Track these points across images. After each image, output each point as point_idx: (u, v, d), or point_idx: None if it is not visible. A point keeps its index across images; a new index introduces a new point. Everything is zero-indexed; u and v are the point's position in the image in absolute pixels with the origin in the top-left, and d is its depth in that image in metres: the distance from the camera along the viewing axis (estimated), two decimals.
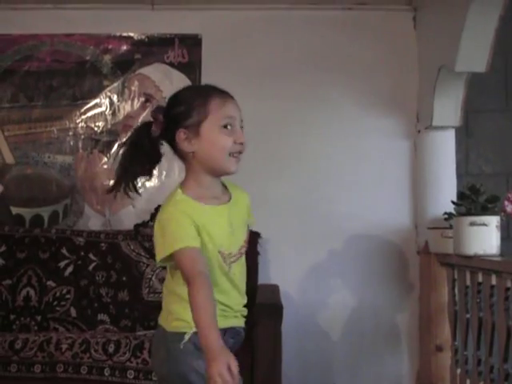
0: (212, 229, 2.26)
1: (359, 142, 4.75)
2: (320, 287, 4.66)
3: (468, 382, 4.09)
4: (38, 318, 4.20)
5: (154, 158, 2.39)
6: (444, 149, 4.60)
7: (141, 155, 2.35)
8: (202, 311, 2.08)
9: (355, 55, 4.77)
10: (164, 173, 4.68)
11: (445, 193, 4.47)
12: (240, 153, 2.28)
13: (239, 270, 2.37)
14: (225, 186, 2.42)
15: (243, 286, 2.41)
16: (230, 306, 2.34)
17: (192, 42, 4.77)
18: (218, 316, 2.14)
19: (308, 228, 4.68)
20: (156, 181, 4.69)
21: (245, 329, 2.44)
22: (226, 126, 2.26)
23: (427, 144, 4.64)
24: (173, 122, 2.30)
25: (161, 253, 2.23)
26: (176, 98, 2.36)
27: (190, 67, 4.73)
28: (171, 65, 4.74)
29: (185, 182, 2.37)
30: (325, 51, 4.77)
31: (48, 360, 3.57)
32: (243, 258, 2.38)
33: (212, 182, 2.34)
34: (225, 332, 2.27)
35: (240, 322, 2.41)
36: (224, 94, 2.32)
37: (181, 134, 2.28)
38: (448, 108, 4.47)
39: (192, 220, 2.22)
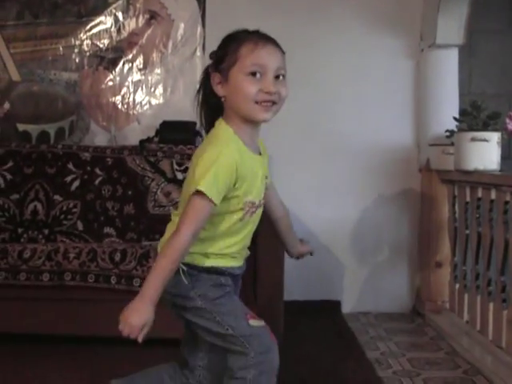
0: (247, 175, 2.24)
1: (363, 60, 4.76)
2: (322, 204, 4.72)
3: (466, 296, 4.18)
4: (46, 231, 4.29)
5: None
6: (447, 67, 4.62)
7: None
8: (161, 270, 2.17)
9: None
10: (169, 89, 4.72)
11: (447, 111, 4.48)
12: (270, 102, 2.21)
13: (256, 219, 2.37)
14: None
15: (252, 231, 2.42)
16: (239, 251, 2.38)
17: None
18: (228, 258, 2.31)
19: (310, 146, 4.72)
20: (161, 98, 4.73)
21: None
22: (253, 74, 2.20)
23: (430, 62, 4.65)
24: (212, 65, 2.29)
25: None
26: (221, 42, 2.34)
27: None
28: None
29: (226, 121, 2.29)
30: None
31: (56, 269, 3.66)
32: (262, 208, 2.39)
33: (246, 128, 2.27)
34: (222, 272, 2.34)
35: (240, 263, 2.43)
36: (261, 41, 2.24)
37: (215, 78, 2.25)
38: (452, 27, 4.48)
39: (233, 170, 2.19)
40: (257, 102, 2.20)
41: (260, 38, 2.24)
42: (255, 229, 2.39)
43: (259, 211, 2.36)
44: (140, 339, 2.11)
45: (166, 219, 4.12)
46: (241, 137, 2.24)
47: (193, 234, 2.13)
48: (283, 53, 2.26)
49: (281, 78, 2.23)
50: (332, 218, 4.73)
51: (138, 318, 2.11)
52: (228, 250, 2.33)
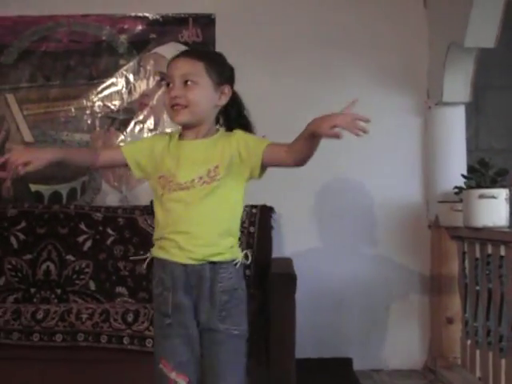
0: (163, 156, 2.54)
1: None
2: (332, 261, 4.74)
3: (478, 352, 4.17)
4: (58, 291, 4.31)
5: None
6: (454, 124, 4.68)
7: None
8: None
9: (366, 32, 4.83)
10: None
11: (455, 168, 4.54)
12: (177, 105, 2.46)
13: (186, 198, 2.45)
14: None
15: (212, 222, 2.47)
16: (165, 236, 2.47)
17: (206, 22, 4.84)
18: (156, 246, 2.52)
19: (320, 203, 4.77)
20: None
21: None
22: (168, 85, 2.51)
23: (437, 120, 4.71)
24: None
25: None
26: None
27: (204, 46, 4.79)
28: (186, 44, 4.80)
29: None
30: (336, 28, 4.83)
31: (69, 329, 3.67)
32: (209, 190, 2.46)
33: (187, 128, 2.54)
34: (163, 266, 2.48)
35: (171, 256, 2.48)
36: (174, 57, 2.55)
37: None
38: (458, 84, 4.54)
39: (150, 145, 2.59)
40: (172, 107, 2.48)
41: (177, 55, 2.56)
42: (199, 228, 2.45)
43: (191, 192, 2.45)
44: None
45: None
46: (185, 133, 2.54)
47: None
48: (200, 61, 2.49)
49: (189, 83, 2.46)
50: (342, 275, 4.74)
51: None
52: (156, 234, 2.53)
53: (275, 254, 4.44)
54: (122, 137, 4.82)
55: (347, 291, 4.77)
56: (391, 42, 4.84)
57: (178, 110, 2.46)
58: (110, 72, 4.87)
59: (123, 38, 4.87)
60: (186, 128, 2.54)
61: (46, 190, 4.83)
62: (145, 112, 4.82)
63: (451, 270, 4.56)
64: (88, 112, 4.85)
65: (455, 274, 4.54)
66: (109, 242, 4.39)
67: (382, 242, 4.79)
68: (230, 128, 2.62)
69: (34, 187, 4.84)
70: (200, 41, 4.81)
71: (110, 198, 4.80)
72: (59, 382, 3.70)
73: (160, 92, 4.79)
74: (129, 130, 4.83)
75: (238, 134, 2.55)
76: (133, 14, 4.88)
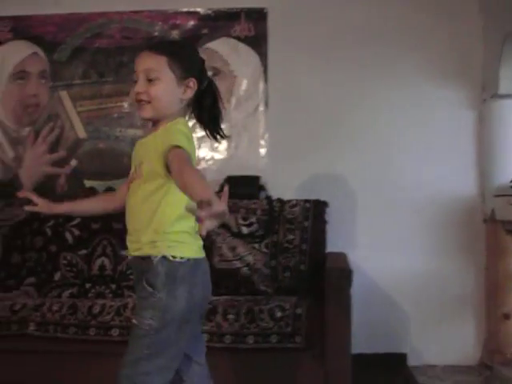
0: (133, 153, 2.66)
1: (425, 112, 4.76)
2: (387, 256, 4.69)
3: None
4: (113, 286, 4.34)
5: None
6: (510, 117, 4.60)
7: None
8: None
9: (419, 25, 4.77)
10: (233, 145, 4.77)
11: (511, 161, 4.48)
12: (140, 101, 2.49)
13: (131, 194, 2.55)
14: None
15: (134, 217, 2.55)
16: (128, 230, 2.59)
17: (258, 16, 4.82)
18: None
19: (374, 196, 4.73)
20: (225, 153, 4.79)
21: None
22: (134, 81, 2.52)
23: (493, 113, 4.64)
24: None
25: None
26: None
27: (257, 41, 4.79)
28: (238, 39, 4.81)
29: None
30: (388, 22, 4.79)
31: (125, 324, 3.69)
32: (136, 187, 2.52)
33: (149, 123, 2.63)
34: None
35: (132, 250, 2.57)
36: (140, 51, 2.57)
37: None
38: None
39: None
40: (137, 102, 2.51)
41: (143, 49, 2.56)
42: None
43: (133, 186, 2.54)
44: None
45: (232, 274, 4.21)
46: (150, 129, 2.62)
47: None
48: (162, 55, 2.48)
49: (151, 79, 2.47)
50: (396, 269, 4.70)
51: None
52: None
53: (330, 249, 4.43)
54: None
55: (401, 286, 4.72)
56: (445, 35, 4.77)
57: (142, 105, 2.49)
58: None
59: (175, 33, 4.87)
60: (153, 124, 2.58)
61: (100, 185, 4.85)
62: None
63: (507, 264, 4.50)
64: None
65: (511, 269, 4.48)
66: None
67: (436, 236, 4.74)
68: (200, 118, 2.65)
69: (88, 183, 4.88)
70: (252, 35, 4.80)
71: None
72: (114, 376, 3.72)
73: None
74: None
75: (163, 130, 2.50)
76: (184, 10, 4.89)
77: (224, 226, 4.35)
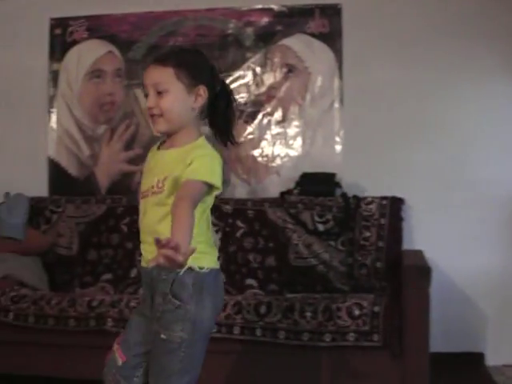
0: (145, 168, 2.60)
1: (502, 107, 4.68)
2: (464, 253, 4.61)
3: None
4: None
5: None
6: None
7: None
8: None
9: (494, 21, 4.67)
10: (308, 141, 4.76)
11: None
12: (153, 115, 2.47)
13: (148, 210, 2.50)
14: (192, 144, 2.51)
15: (150, 228, 2.50)
16: (142, 244, 2.55)
17: (332, 12, 4.78)
18: None
19: (451, 193, 4.65)
20: (300, 150, 4.77)
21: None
22: (146, 95, 2.50)
23: None
24: None
25: None
26: None
27: (332, 37, 4.75)
28: (312, 35, 4.78)
29: None
30: (464, 17, 4.70)
31: None
32: (157, 200, 2.47)
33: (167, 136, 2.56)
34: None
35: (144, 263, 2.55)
36: (147, 65, 2.56)
37: None
38: None
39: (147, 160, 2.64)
40: (151, 117, 2.49)
41: (149, 63, 2.55)
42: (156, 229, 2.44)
43: (151, 200, 2.47)
44: None
45: (308, 271, 4.20)
46: (165, 142, 2.57)
47: None
48: (168, 67, 2.45)
49: (161, 92, 2.44)
50: (474, 267, 4.62)
51: None
52: None
53: (406, 246, 4.39)
54: (249, 129, 4.83)
55: (478, 284, 4.64)
56: None
57: (155, 120, 2.47)
58: (237, 65, 4.87)
59: (249, 30, 4.88)
60: (168, 136, 2.55)
61: None
62: (272, 104, 4.81)
63: None
64: None
65: None
66: (238, 234, 4.43)
67: None
68: (213, 122, 2.60)
69: None
70: (327, 32, 4.77)
71: (239, 190, 4.81)
72: None
73: (287, 84, 4.79)
74: (256, 122, 4.82)
75: (196, 153, 2.43)
76: (259, 7, 4.88)
77: (300, 223, 4.35)
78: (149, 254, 2.45)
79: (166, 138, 2.56)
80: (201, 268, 2.41)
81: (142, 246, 2.54)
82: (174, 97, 2.44)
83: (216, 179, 2.39)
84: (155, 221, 2.45)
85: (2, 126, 5.19)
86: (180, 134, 2.49)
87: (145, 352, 2.52)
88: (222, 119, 2.58)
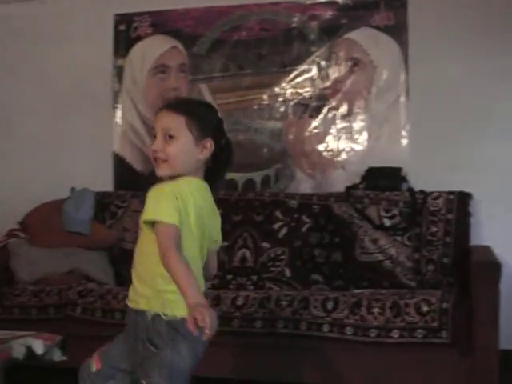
0: None
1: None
2: None
3: None
4: (254, 277, 4.36)
5: None
6: None
7: None
8: None
9: None
10: (373, 136, 4.71)
11: None
12: (157, 158, 2.45)
13: (138, 244, 2.51)
14: None
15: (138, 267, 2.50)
16: (132, 281, 2.54)
17: (398, 5, 4.72)
18: None
19: None
20: (365, 144, 4.73)
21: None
22: (153, 136, 2.48)
23: None
24: None
25: None
26: None
27: (397, 30, 4.70)
28: (378, 28, 4.73)
29: None
30: None
31: (268, 316, 3.70)
32: (141, 237, 2.48)
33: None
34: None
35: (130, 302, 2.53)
36: (159, 109, 2.53)
37: None
38: None
39: None
40: (154, 160, 2.47)
41: (162, 107, 2.52)
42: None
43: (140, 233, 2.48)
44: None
45: (374, 266, 4.17)
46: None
47: None
48: (181, 115, 2.44)
49: (169, 137, 2.43)
50: None
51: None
52: None
53: (474, 242, 4.32)
54: (314, 124, 4.80)
55: None
56: None
57: (158, 163, 2.46)
58: (301, 59, 4.85)
59: (314, 24, 4.85)
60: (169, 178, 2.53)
61: (240, 177, 4.89)
62: (337, 98, 4.78)
63: None
64: (280, 100, 4.87)
65: None
66: (304, 229, 4.41)
67: None
68: (210, 168, 2.54)
69: (228, 175, 4.88)
70: (392, 24, 4.71)
71: (304, 185, 4.79)
72: (257, 368, 3.75)
73: (353, 78, 4.75)
74: (321, 116, 4.79)
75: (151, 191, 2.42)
76: (323, 0, 4.85)
77: (366, 218, 4.32)
78: (132, 292, 2.50)
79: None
80: (174, 315, 2.39)
81: (132, 285, 2.53)
82: (181, 145, 2.43)
83: (155, 214, 2.34)
84: (136, 257, 2.50)
85: (68, 122, 5.26)
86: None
87: (123, 369, 2.51)
88: (218, 170, 2.57)
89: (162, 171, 2.46)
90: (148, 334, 2.40)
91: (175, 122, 2.45)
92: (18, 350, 2.86)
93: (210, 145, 2.46)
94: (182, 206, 2.35)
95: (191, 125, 2.44)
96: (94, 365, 2.54)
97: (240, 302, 3.79)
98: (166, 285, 2.35)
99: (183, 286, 2.20)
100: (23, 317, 4.13)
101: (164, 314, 2.38)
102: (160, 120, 2.48)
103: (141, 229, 2.46)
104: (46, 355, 3.01)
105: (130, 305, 2.49)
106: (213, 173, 2.55)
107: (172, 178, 2.48)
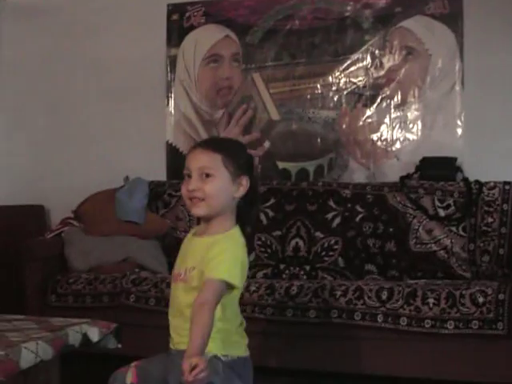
0: (180, 252, 2.60)
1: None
2: None
3: None
4: (307, 267, 4.36)
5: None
6: None
7: None
8: None
9: None
10: (428, 125, 4.67)
11: None
12: (194, 198, 2.43)
13: (179, 294, 2.48)
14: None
15: (179, 311, 2.47)
16: (172, 328, 2.53)
17: None
18: None
19: None
20: (419, 134, 4.69)
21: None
22: (186, 176, 2.47)
23: None
24: None
25: None
26: None
27: (452, 18, 4.64)
28: (432, 16, 4.68)
29: None
30: None
31: (322, 306, 3.70)
32: (187, 286, 2.44)
33: (202, 221, 2.57)
34: None
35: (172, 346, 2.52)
36: (192, 148, 2.55)
37: None
38: None
39: None
40: (189, 200, 2.46)
41: (195, 146, 2.55)
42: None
43: (180, 285, 2.47)
44: None
45: (429, 257, 4.14)
46: (199, 229, 2.59)
47: None
48: (217, 153, 2.44)
49: (206, 176, 2.41)
50: None
51: None
52: None
53: None
54: (368, 113, 4.77)
55: None
56: None
57: (196, 202, 2.44)
58: (355, 48, 4.82)
59: (368, 12, 4.81)
60: (203, 220, 2.54)
61: (293, 167, 4.89)
62: (391, 87, 4.73)
63: None
64: (334, 89, 4.84)
65: None
66: (357, 219, 4.39)
67: None
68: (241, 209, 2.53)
69: (281, 165, 4.91)
70: (447, 13, 4.66)
71: (357, 175, 4.76)
72: (311, 357, 3.75)
73: (407, 67, 4.70)
74: (375, 106, 4.76)
75: (219, 248, 2.40)
76: None
77: (420, 208, 4.28)
78: (177, 335, 2.47)
79: (202, 222, 2.56)
80: (230, 356, 2.42)
81: (171, 328, 2.52)
82: (219, 183, 2.42)
83: (234, 278, 2.35)
84: (183, 305, 2.44)
85: (122, 111, 5.30)
86: (216, 220, 2.48)
87: None
88: (250, 209, 2.55)
89: (200, 210, 2.46)
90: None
91: (212, 160, 2.43)
92: (74, 337, 2.88)
93: (245, 182, 2.46)
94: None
95: (228, 162, 2.43)
96: (131, 378, 2.51)
97: (294, 291, 3.79)
98: (227, 326, 2.44)
99: (197, 334, 2.19)
100: (77, 305, 4.17)
101: (228, 355, 2.41)
102: (195, 158, 2.46)
103: (189, 283, 2.43)
104: (101, 343, 3.04)
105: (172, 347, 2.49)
106: (244, 212, 2.53)
107: (208, 218, 2.49)
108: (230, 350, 2.42)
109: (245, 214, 2.54)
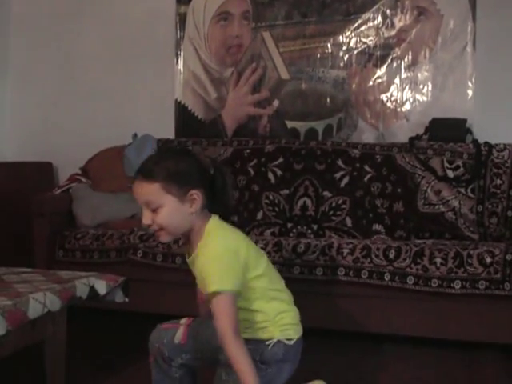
0: None
1: None
2: None
3: None
4: (315, 226, 4.36)
5: None
6: None
7: None
8: None
9: None
10: (438, 86, 4.64)
11: None
12: (155, 230, 2.40)
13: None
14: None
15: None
16: None
17: None
18: None
19: None
20: (430, 95, 4.66)
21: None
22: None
23: None
24: None
25: None
26: None
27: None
28: None
29: None
30: None
31: (330, 264, 3.71)
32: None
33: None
34: None
35: None
36: (133, 181, 2.41)
37: None
38: None
39: None
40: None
41: (134, 177, 2.40)
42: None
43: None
44: None
45: (437, 218, 4.14)
46: (186, 246, 2.50)
47: None
48: (155, 182, 2.33)
49: (153, 209, 2.35)
50: None
51: None
52: None
53: None
54: (378, 73, 4.75)
55: None
56: None
57: (157, 233, 2.41)
58: (366, 7, 4.77)
59: None
60: (182, 239, 2.54)
61: (301, 126, 4.88)
62: (402, 48, 4.70)
63: None
64: (344, 48, 4.81)
65: None
66: (366, 179, 4.38)
67: None
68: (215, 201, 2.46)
69: (290, 124, 4.90)
70: None
71: (367, 135, 4.75)
72: (316, 315, 3.73)
73: (418, 27, 4.66)
74: (386, 66, 4.73)
75: (203, 260, 2.36)
76: None
77: (429, 169, 4.27)
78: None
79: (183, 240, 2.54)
80: (289, 340, 2.43)
81: None
82: (168, 210, 2.35)
83: (226, 284, 2.29)
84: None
85: (131, 69, 5.28)
86: (191, 235, 2.43)
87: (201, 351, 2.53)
88: (219, 197, 2.46)
89: (163, 239, 2.44)
90: (262, 357, 2.40)
91: (152, 192, 2.34)
92: (81, 290, 2.91)
93: (196, 195, 2.36)
94: (243, 259, 2.36)
95: (168, 187, 2.33)
96: (180, 337, 2.53)
97: (301, 249, 3.80)
98: (278, 312, 2.47)
99: (244, 374, 2.21)
100: (85, 260, 4.20)
101: (287, 339, 2.43)
102: (137, 193, 2.38)
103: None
104: (109, 296, 3.06)
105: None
106: (215, 200, 2.45)
107: (178, 238, 2.58)
108: (286, 334, 2.44)
109: (219, 206, 2.47)
